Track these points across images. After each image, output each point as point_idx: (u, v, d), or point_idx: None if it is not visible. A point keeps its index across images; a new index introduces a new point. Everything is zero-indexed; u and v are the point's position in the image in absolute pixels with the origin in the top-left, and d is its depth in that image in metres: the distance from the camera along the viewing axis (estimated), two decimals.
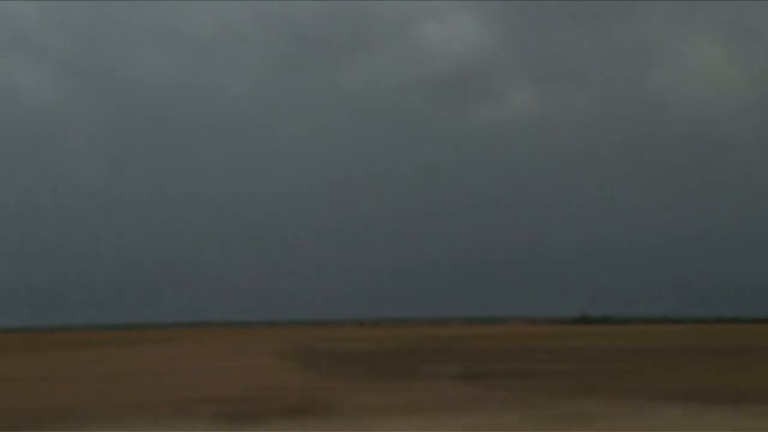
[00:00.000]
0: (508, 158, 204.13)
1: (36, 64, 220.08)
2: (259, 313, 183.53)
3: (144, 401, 21.03)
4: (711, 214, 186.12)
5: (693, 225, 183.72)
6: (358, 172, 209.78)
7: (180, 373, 32.19)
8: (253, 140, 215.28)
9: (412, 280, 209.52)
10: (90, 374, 32.94)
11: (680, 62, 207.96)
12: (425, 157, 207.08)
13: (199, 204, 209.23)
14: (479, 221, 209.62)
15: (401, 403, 19.82)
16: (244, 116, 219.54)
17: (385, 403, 19.88)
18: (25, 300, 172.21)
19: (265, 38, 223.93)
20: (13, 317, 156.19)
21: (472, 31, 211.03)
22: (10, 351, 57.76)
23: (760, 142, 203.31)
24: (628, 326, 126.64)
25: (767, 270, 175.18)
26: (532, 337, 72.42)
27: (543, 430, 15.53)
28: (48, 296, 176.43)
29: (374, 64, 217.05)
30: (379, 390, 23.46)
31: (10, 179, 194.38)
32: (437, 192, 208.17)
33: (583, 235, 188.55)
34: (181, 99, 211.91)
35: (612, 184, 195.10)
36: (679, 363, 35.13)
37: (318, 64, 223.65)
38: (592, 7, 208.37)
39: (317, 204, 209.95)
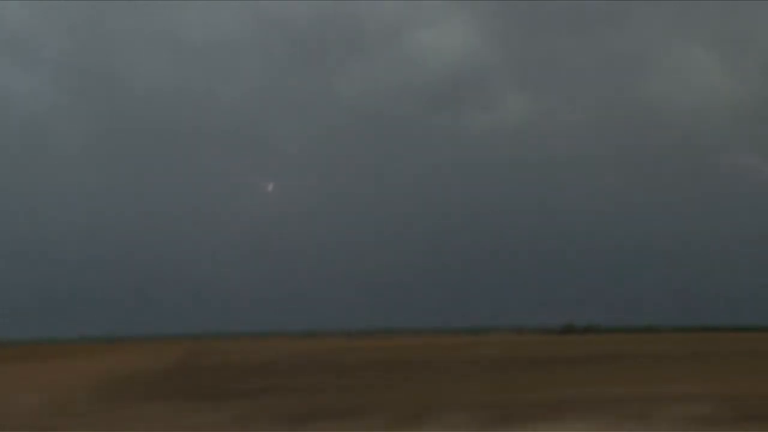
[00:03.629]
0: (501, 166, 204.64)
1: (29, 68, 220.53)
2: (259, 323, 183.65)
3: None
4: (702, 224, 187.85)
5: (684, 234, 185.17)
6: (352, 179, 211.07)
7: None
8: (247, 147, 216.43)
9: (403, 290, 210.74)
10: None
11: (675, 70, 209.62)
12: (419, 164, 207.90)
13: (195, 212, 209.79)
14: (476, 228, 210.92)
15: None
16: (239, 123, 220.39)
17: None
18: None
19: (259, 44, 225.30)
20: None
21: (467, 38, 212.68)
22: None
23: (753, 152, 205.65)
24: (599, 335, 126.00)
25: (758, 279, 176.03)
26: (411, 349, 73.16)
27: None
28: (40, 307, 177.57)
29: (370, 70, 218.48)
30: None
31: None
32: (430, 200, 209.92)
33: (575, 244, 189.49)
34: (177, 105, 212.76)
35: (605, 193, 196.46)
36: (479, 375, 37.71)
37: (313, 71, 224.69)
38: (588, 15, 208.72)
39: (311, 211, 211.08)
